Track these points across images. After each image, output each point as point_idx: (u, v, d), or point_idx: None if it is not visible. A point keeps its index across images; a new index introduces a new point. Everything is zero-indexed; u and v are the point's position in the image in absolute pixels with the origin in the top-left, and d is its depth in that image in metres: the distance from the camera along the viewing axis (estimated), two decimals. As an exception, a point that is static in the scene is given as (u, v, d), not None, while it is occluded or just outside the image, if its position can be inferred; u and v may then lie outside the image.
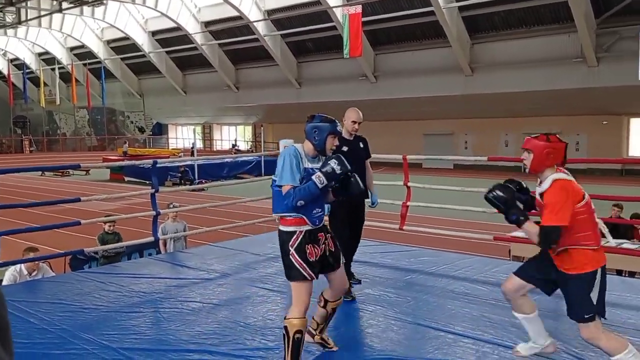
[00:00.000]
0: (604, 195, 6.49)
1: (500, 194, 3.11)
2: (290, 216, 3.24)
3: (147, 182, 17.84)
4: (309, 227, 3.24)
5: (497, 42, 22.94)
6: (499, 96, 23.07)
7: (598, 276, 3.09)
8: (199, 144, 38.17)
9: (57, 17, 35.02)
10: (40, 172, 28.01)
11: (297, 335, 3.13)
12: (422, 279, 5.30)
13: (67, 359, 3.52)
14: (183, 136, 42.70)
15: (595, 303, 3.08)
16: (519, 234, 7.78)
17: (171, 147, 39.89)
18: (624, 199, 7.49)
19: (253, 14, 27.18)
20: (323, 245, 3.31)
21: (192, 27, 30.64)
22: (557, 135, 3.19)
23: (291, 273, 3.22)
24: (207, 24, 30.78)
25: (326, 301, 3.52)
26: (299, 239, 3.22)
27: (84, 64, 38.27)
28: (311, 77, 29.57)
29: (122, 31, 33.70)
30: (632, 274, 6.86)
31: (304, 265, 3.19)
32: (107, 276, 5.39)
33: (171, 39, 33.27)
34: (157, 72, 36.45)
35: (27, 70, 40.42)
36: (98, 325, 4.08)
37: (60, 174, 28.00)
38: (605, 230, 3.27)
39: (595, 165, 22.68)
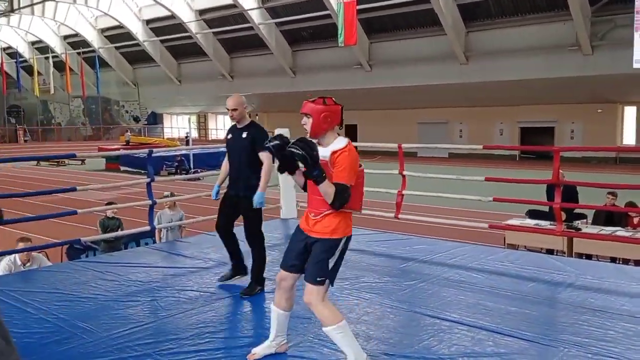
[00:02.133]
0: (599, 183, 6.52)
1: (311, 151, 2.96)
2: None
3: (143, 171, 17.80)
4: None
5: (492, 30, 22.90)
6: (493, 84, 23.06)
7: (342, 245, 3.13)
8: (194, 133, 38.05)
9: (50, 5, 34.74)
10: (35, 162, 27.91)
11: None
12: (417, 267, 5.33)
13: (65, 349, 3.53)
14: (178, 125, 42.58)
15: (329, 269, 3.11)
16: (514, 222, 7.83)
17: (166, 137, 39.77)
18: (618, 187, 7.53)
19: (247, 2, 27.03)
20: None
21: (186, 16, 30.45)
22: (333, 98, 3.16)
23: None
24: (202, 12, 30.60)
25: None
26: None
27: (78, 53, 38.01)
28: (306, 66, 29.47)
29: (116, 19, 33.47)
30: (626, 261, 6.91)
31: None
32: (104, 265, 5.40)
33: (165, 27, 33.08)
34: (152, 61, 36.26)
35: (21, 59, 40.15)
36: (96, 314, 4.10)
37: (56, 163, 27.91)
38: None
39: (590, 153, 22.78)
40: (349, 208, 3.11)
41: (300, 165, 3.02)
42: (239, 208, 4.60)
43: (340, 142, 3.11)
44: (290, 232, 6.99)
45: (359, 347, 3.15)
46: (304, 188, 3.21)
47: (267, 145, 3.10)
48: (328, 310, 3.10)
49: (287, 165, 3.08)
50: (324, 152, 3.06)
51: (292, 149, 2.97)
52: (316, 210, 3.13)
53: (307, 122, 3.11)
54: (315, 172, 2.97)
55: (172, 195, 7.42)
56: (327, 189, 2.99)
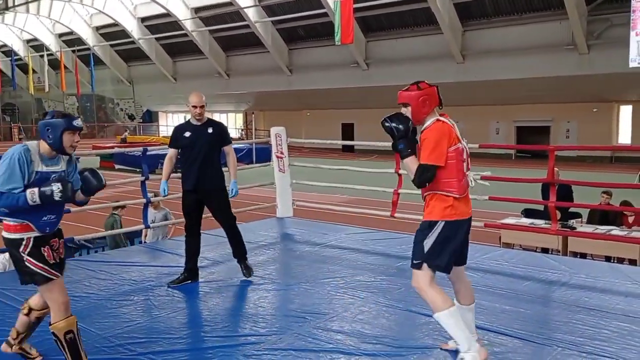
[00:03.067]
0: (594, 182, 6.53)
1: (398, 124, 3.03)
2: (13, 221, 3.01)
3: (138, 170, 17.72)
4: (37, 234, 3.03)
5: (489, 29, 22.90)
6: (490, 83, 23.07)
7: (439, 228, 3.04)
8: (190, 132, 37.86)
9: (45, 3, 34.56)
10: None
11: (69, 336, 3.04)
12: (413, 266, 5.31)
13: (57, 348, 3.51)
14: (174, 124, 42.42)
15: (425, 252, 3.05)
16: (509, 221, 7.83)
17: (162, 135, 39.65)
18: (613, 186, 7.55)
19: (244, 0, 26.96)
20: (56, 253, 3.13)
21: (181, 13, 30.35)
22: (426, 81, 3.16)
23: (35, 278, 3.03)
24: (197, 10, 30.49)
25: (30, 309, 3.31)
26: (30, 245, 3.02)
27: (73, 51, 37.83)
28: (302, 64, 29.42)
29: (111, 17, 33.33)
30: (620, 260, 6.92)
31: (45, 267, 3.03)
32: (98, 264, 5.37)
33: (161, 25, 32.96)
34: (147, 59, 36.13)
35: (15, 57, 39.94)
36: (89, 313, 4.07)
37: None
38: (474, 183, 3.17)
39: (586, 152, 22.80)
40: (441, 190, 3.05)
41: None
42: (210, 202, 4.75)
43: (429, 121, 3.08)
44: (286, 231, 7.00)
45: (469, 333, 3.10)
46: None
47: (383, 122, 3.11)
48: (436, 296, 3.04)
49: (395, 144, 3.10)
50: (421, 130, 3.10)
51: (383, 122, 3.06)
52: (423, 194, 3.15)
53: (407, 111, 3.09)
54: (400, 145, 3.03)
55: (155, 195, 7.36)
56: (409, 165, 3.04)
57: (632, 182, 14.70)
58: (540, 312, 4.19)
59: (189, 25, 30.73)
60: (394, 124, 3.03)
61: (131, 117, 43.43)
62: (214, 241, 6.23)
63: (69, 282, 4.80)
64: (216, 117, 40.65)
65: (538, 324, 3.87)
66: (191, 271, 4.79)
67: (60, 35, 39.76)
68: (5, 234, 3.05)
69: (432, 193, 3.08)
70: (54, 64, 39.58)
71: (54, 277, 3.04)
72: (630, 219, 7.50)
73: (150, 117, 43.57)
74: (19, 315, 3.35)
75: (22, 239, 3.02)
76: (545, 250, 7.38)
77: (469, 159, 3.19)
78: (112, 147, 23.78)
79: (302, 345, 3.50)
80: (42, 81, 40.14)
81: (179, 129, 4.82)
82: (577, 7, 19.27)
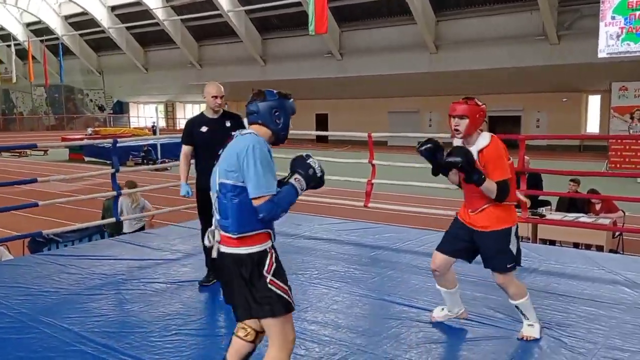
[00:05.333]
0: (562, 170, 6.64)
1: (460, 158, 3.15)
2: (256, 232, 2.45)
3: (108, 162, 17.45)
4: (271, 243, 2.54)
5: (462, 20, 23.05)
6: (462, 73, 23.26)
7: (513, 231, 3.34)
8: (162, 123, 37.47)
9: (11, -9, 33.63)
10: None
11: None
12: (386, 255, 5.35)
13: (27, 343, 3.45)
14: (145, 115, 41.85)
15: (515, 255, 3.37)
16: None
17: (133, 126, 39.07)
18: (580, 174, 7.70)
19: (216, -11, 26.62)
20: None
21: (153, 2, 29.84)
22: (476, 99, 3.34)
23: (275, 307, 2.42)
24: (169, -2, 30.05)
25: (257, 333, 2.63)
26: (274, 259, 2.49)
27: (41, 41, 36.94)
28: (276, 54, 29.23)
29: (80, 6, 32.61)
30: (588, 247, 7.07)
31: (288, 291, 2.48)
32: (67, 259, 5.28)
33: (131, 14, 32.35)
34: (117, 49, 35.49)
35: (-19, 47, 38.89)
36: (59, 308, 4.00)
37: (18, 154, 27.16)
38: (523, 198, 3.64)
39: (555, 141, 23.20)
40: (508, 201, 3.29)
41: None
42: None
43: (484, 138, 3.25)
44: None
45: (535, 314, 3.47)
46: (459, 185, 3.44)
47: (418, 149, 3.26)
48: (518, 288, 3.40)
49: (441, 170, 3.33)
50: (477, 147, 3.24)
51: (450, 160, 3.15)
52: (473, 207, 3.35)
53: (461, 124, 3.22)
54: (475, 176, 3.16)
55: (130, 186, 7.22)
56: (489, 187, 3.18)
57: (600, 171, 15.03)
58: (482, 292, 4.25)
59: (160, 14, 30.23)
60: (463, 160, 3.13)
61: (101, 108, 42.67)
62: (185, 233, 6.18)
63: (38, 276, 4.73)
64: (188, 107, 40.29)
65: (508, 310, 3.92)
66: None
67: (28, 24, 38.77)
68: (244, 250, 2.44)
69: (495, 204, 3.27)
70: (22, 54, 38.61)
71: (294, 308, 2.50)
72: (598, 207, 7.66)
73: (121, 108, 42.87)
74: (233, 343, 2.65)
75: (266, 252, 2.47)
76: (516, 238, 7.48)
77: None
78: (81, 139, 23.33)
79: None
80: (9, 72, 39.15)
81: (194, 123, 4.42)
82: (547, -2, 19.52)
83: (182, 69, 33.42)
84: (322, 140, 29.48)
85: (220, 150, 2.58)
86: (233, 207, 2.43)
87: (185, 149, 4.46)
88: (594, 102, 24.65)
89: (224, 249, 2.47)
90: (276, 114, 2.55)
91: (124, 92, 40.42)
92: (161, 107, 39.80)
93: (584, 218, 7.19)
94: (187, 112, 40.43)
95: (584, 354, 3.24)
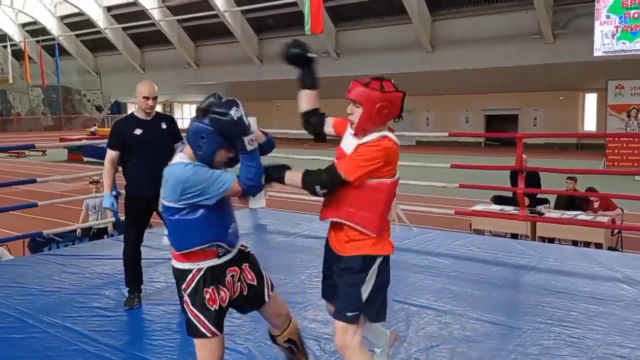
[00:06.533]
0: (560, 168, 6.66)
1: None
2: (194, 249, 2.40)
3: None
4: (213, 262, 2.43)
5: (457, 19, 23.08)
6: (459, 73, 23.29)
7: (376, 265, 2.44)
8: (160, 123, 37.32)
9: (6, -9, 33.54)
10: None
11: None
12: (386, 254, 5.36)
13: (29, 343, 3.45)
14: (143, 115, 41.72)
15: (364, 300, 2.41)
16: (479, 207, 7.96)
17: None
18: (578, 172, 7.72)
19: (212, -11, 26.60)
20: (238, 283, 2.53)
21: (149, 2, 29.79)
22: (393, 81, 2.42)
23: (189, 327, 2.43)
24: (165, -1, 30.01)
25: (273, 337, 2.75)
26: (196, 280, 2.41)
27: (37, 41, 36.86)
28: (272, 54, 29.16)
29: (75, 6, 32.52)
30: (587, 244, 7.10)
31: (201, 317, 2.40)
32: (68, 258, 5.28)
33: (128, 14, 32.28)
34: (114, 49, 35.41)
35: (-23, 48, 38.79)
36: (60, 307, 4.01)
37: (16, 155, 27.10)
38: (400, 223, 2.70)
39: (553, 139, 23.28)
40: (355, 223, 2.41)
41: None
42: (152, 209, 3.89)
43: (375, 135, 2.37)
44: (259, 221, 6.98)
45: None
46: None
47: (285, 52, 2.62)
48: None
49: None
50: (358, 141, 2.38)
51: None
52: (323, 215, 2.54)
53: (355, 112, 2.35)
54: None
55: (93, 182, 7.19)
56: (292, 177, 2.45)
57: (598, 168, 15.07)
58: (510, 296, 4.27)
59: (156, 14, 30.18)
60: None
61: (99, 109, 42.59)
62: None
63: (38, 276, 4.74)
64: (186, 107, 40.26)
65: (508, 308, 3.95)
66: (139, 289, 4.11)
67: (24, 25, 38.64)
68: (174, 264, 2.52)
69: (348, 222, 2.42)
70: (18, 54, 38.49)
71: (204, 332, 2.39)
72: (596, 204, 7.69)
73: (119, 109, 42.79)
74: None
75: (189, 271, 2.45)
76: (514, 236, 7.52)
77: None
78: (80, 140, 23.29)
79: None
80: (6, 72, 39.04)
81: (124, 125, 4.00)
82: (543, -3, 19.57)
83: (178, 69, 33.38)
84: (319, 139, 29.46)
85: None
86: (170, 225, 2.43)
87: (112, 154, 3.97)
88: (591, 101, 24.72)
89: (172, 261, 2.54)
90: (202, 139, 2.29)
91: (122, 92, 40.33)
92: (159, 107, 39.73)
93: (582, 216, 7.22)
94: (185, 112, 40.40)
95: (584, 351, 3.25)
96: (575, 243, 7.19)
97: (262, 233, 6.38)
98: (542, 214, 7.25)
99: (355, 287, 2.42)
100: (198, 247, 2.38)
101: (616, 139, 17.42)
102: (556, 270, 4.78)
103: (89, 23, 33.73)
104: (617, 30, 17.18)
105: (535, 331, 3.51)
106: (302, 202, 8.49)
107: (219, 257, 2.44)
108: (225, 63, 30.80)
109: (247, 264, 2.58)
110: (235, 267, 2.52)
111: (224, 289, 2.45)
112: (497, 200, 8.24)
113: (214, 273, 2.43)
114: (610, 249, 7.00)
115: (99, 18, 33.31)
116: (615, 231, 7.37)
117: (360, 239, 2.43)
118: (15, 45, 38.58)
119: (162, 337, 3.51)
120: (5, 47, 38.25)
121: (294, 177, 2.41)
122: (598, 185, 7.76)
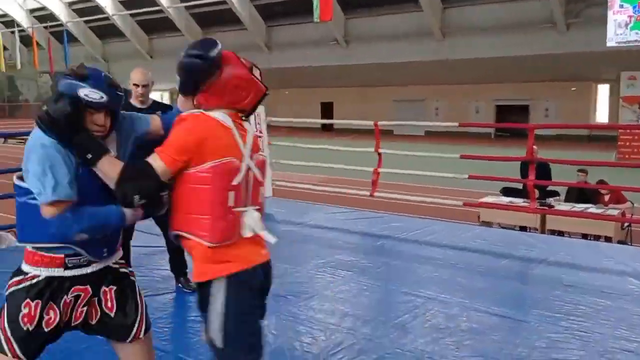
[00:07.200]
0: (571, 160, 6.58)
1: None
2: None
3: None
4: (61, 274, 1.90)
5: (468, 7, 22.85)
6: (469, 62, 23.11)
7: (222, 293, 1.89)
8: (168, 110, 37.40)
9: (15, -23, 33.55)
10: (2, 140, 27.19)
11: None
12: (392, 245, 5.34)
13: (34, 330, 3.45)
14: (151, 102, 41.79)
15: (225, 344, 1.89)
16: (488, 199, 7.90)
17: (139, 114, 39.08)
18: (589, 164, 7.63)
19: (221, -24, 26.47)
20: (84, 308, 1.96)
21: (157, -11, 29.73)
22: (243, 60, 2.13)
23: None
24: (174, -15, 29.92)
25: None
26: (21, 286, 1.93)
27: (45, 27, 36.86)
28: (281, 42, 29.09)
29: (84, -8, 32.52)
30: (597, 238, 7.04)
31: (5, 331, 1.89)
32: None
33: (136, 1, 32.23)
34: (122, 36, 35.42)
35: (-15, 33, 38.83)
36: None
37: (24, 141, 27.20)
38: (255, 228, 2.15)
39: (564, 131, 23.11)
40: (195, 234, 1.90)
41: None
42: None
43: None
44: (265, 211, 6.94)
45: None
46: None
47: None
48: None
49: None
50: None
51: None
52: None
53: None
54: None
55: None
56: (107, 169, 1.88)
57: (609, 160, 14.93)
58: (519, 289, 4.24)
59: (164, 1, 30.10)
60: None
61: (107, 96, 42.70)
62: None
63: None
64: (194, 95, 40.18)
65: (516, 301, 3.91)
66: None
67: (32, 11, 38.69)
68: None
69: (186, 235, 1.94)
70: (26, 40, 38.54)
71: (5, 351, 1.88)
72: (606, 198, 7.61)
73: (126, 96, 42.82)
74: None
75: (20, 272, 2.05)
76: (523, 229, 7.47)
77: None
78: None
79: (283, 324, 3.49)
80: (14, 58, 39.10)
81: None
82: (556, -15, 19.33)
83: (187, 57, 33.35)
84: (327, 128, 29.39)
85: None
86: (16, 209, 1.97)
87: None
88: (603, 92, 24.47)
89: None
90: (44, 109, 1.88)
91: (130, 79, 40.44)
92: (166, 95, 39.73)
93: (592, 209, 7.15)
94: (192, 99, 40.41)
95: (591, 345, 3.21)
96: (585, 236, 7.13)
97: (268, 222, 6.29)
98: (552, 206, 7.18)
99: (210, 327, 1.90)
100: (41, 244, 1.90)
101: (628, 130, 17.24)
102: (566, 263, 4.73)
103: (97, 9, 33.72)
104: (630, 20, 16.96)
105: (542, 324, 3.48)
106: (309, 192, 8.47)
107: (67, 267, 1.90)
108: (232, 50, 30.10)
109: (113, 288, 2.00)
110: (87, 287, 1.94)
111: (56, 310, 1.88)
112: (507, 192, 8.19)
113: (50, 286, 1.88)
114: (620, 242, 6.94)
115: (107, 4, 33.30)
116: (626, 225, 7.29)
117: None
118: (23, 31, 38.59)
119: (168, 325, 3.50)
120: (13, 33, 38.27)
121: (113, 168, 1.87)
122: (609, 178, 7.67)
